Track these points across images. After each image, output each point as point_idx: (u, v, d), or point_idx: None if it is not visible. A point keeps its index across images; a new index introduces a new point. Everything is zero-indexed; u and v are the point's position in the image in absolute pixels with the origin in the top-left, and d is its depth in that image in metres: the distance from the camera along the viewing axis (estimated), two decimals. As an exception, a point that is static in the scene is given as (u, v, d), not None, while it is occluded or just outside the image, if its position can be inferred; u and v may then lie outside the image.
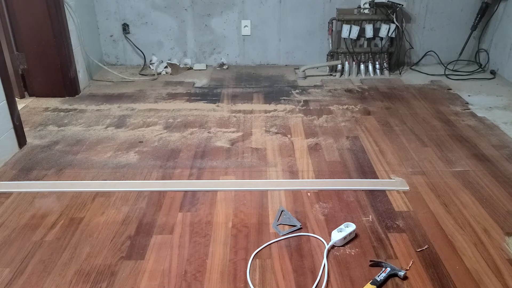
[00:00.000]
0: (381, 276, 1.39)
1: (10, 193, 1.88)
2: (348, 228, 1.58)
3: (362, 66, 3.47)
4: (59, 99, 2.95)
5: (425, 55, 3.66)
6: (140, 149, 2.26)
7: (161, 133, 2.46)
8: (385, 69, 3.47)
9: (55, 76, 2.92)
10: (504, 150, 2.24)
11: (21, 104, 2.80)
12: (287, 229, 1.65)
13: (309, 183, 1.96)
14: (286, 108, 2.81)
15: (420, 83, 3.29)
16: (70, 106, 2.85)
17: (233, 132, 2.48)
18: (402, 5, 3.28)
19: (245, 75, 3.50)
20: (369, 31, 3.34)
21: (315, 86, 3.23)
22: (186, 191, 1.89)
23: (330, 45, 3.49)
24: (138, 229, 1.65)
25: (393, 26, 3.31)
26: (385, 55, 3.46)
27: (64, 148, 2.28)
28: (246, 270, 1.44)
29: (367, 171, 2.05)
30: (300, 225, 1.66)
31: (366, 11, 3.35)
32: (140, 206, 1.79)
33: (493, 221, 1.68)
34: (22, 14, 2.74)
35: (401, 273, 1.40)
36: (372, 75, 3.45)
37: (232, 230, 1.64)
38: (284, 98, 2.99)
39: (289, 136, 2.42)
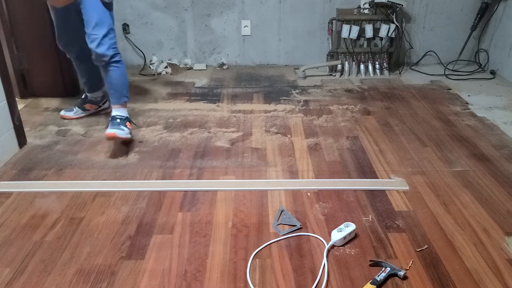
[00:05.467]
0: (381, 276, 1.39)
1: (11, 193, 1.88)
2: (348, 228, 1.58)
3: (362, 66, 3.47)
4: (59, 99, 2.95)
5: (425, 55, 3.66)
6: (140, 149, 2.26)
7: (161, 133, 2.46)
8: (385, 69, 3.47)
9: (55, 76, 2.92)
10: (504, 150, 2.25)
11: (21, 104, 2.80)
12: (287, 229, 1.65)
13: (309, 183, 1.96)
14: (286, 108, 2.81)
15: (420, 83, 3.29)
16: (70, 106, 2.84)
17: (233, 132, 2.48)
18: (402, 5, 3.29)
19: (245, 75, 3.50)
20: (369, 31, 3.34)
21: (315, 86, 3.23)
22: (186, 191, 1.89)
23: (330, 45, 3.49)
24: (138, 229, 1.65)
25: (393, 26, 3.31)
26: (385, 55, 3.46)
27: (64, 148, 2.28)
28: (246, 270, 1.45)
29: (367, 171, 2.06)
30: (300, 225, 1.66)
31: (366, 11, 3.35)
32: (140, 206, 1.79)
33: (493, 221, 1.69)
34: (22, 14, 2.74)
35: (401, 273, 1.40)
36: (372, 75, 3.46)
37: (232, 230, 1.64)
38: (284, 98, 3.00)
39: (289, 136, 2.42)
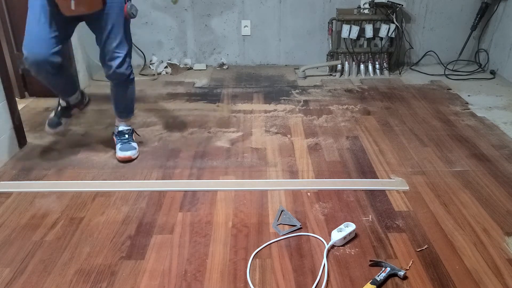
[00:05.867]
0: (381, 276, 1.39)
1: (10, 193, 1.88)
2: (348, 228, 1.58)
3: (362, 66, 3.47)
4: (59, 99, 2.95)
5: (425, 55, 3.66)
6: (140, 149, 2.26)
7: (161, 133, 2.46)
8: (385, 69, 3.47)
9: (55, 76, 2.92)
10: (504, 150, 2.25)
11: (21, 104, 2.80)
12: (287, 229, 1.65)
13: (309, 183, 1.96)
14: (286, 108, 2.81)
15: (420, 83, 3.30)
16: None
17: (233, 132, 2.48)
18: (402, 5, 3.29)
19: (245, 75, 3.50)
20: (369, 31, 3.34)
21: (315, 86, 3.24)
22: (186, 191, 1.89)
23: (330, 45, 3.49)
24: (138, 229, 1.65)
25: (393, 26, 3.31)
26: (385, 55, 3.46)
27: (64, 148, 2.28)
28: (246, 270, 1.45)
29: (367, 171, 2.06)
30: (300, 225, 1.66)
31: (366, 11, 3.35)
32: (140, 206, 1.79)
33: (493, 221, 1.69)
34: (22, 14, 2.73)
35: (401, 273, 1.40)
36: (372, 75, 3.46)
37: (232, 230, 1.64)
38: (284, 98, 3.00)
39: (289, 136, 2.42)
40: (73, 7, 1.80)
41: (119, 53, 1.98)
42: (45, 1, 1.82)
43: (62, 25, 1.90)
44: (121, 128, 2.21)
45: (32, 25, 1.86)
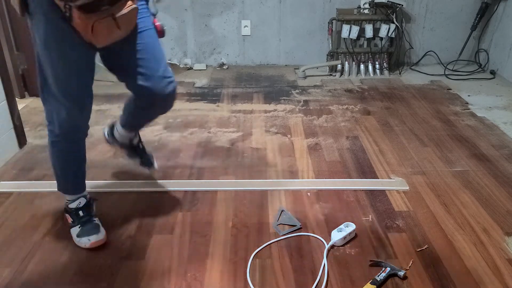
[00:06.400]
0: (381, 276, 1.39)
1: (11, 193, 1.88)
2: (348, 228, 1.58)
3: (362, 66, 3.47)
4: (59, 99, 2.94)
5: (425, 55, 3.66)
6: (140, 149, 2.26)
7: (161, 133, 2.46)
8: (385, 69, 3.47)
9: (55, 76, 2.92)
10: (504, 150, 2.25)
11: (21, 104, 2.80)
12: (287, 229, 1.65)
13: (309, 183, 1.96)
14: (286, 108, 2.81)
15: (420, 83, 3.30)
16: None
17: (233, 132, 2.48)
18: (402, 5, 3.29)
19: (245, 75, 3.50)
20: (369, 31, 3.34)
21: (315, 86, 3.24)
22: (186, 191, 1.89)
23: (330, 45, 3.49)
24: (138, 229, 1.65)
25: (393, 26, 3.31)
26: (385, 55, 3.46)
27: (64, 148, 2.28)
28: (246, 270, 1.45)
29: (367, 171, 2.06)
30: (300, 225, 1.66)
31: (366, 11, 3.35)
32: (141, 206, 1.79)
33: (493, 221, 1.69)
34: (22, 14, 2.74)
35: (401, 273, 1.40)
36: (372, 75, 3.46)
37: (232, 230, 1.64)
38: (284, 98, 3.00)
39: (289, 136, 2.42)
40: (119, 33, 1.30)
41: (170, 77, 1.47)
42: (66, 37, 1.29)
43: (91, 62, 1.41)
44: (141, 138, 1.92)
45: (60, 78, 1.40)
